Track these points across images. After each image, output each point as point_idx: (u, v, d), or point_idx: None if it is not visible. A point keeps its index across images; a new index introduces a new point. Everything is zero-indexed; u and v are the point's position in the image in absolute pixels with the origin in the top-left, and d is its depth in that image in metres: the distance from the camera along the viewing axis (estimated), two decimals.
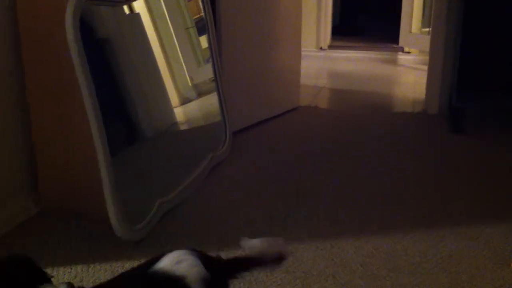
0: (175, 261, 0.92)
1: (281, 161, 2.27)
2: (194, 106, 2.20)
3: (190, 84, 2.17)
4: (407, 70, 4.45)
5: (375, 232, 1.63)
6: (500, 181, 2.04)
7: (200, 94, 2.22)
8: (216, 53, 2.22)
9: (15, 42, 1.61)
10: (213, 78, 2.24)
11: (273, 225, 1.67)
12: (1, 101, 1.62)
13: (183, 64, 2.11)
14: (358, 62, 4.67)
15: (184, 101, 2.11)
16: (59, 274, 1.38)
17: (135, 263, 1.35)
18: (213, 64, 2.22)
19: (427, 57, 3.14)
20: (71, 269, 1.41)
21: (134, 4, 1.79)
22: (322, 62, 4.57)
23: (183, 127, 2.11)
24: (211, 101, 2.27)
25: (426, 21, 4.62)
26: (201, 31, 2.22)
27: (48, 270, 0.98)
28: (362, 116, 3.00)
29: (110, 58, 1.70)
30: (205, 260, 0.94)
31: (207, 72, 2.25)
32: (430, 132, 2.69)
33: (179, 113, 2.08)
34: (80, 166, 1.64)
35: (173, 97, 2.02)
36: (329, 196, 1.91)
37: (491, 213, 1.76)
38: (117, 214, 1.48)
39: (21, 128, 1.69)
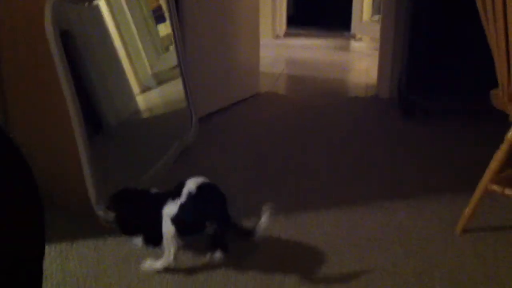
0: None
1: (243, 146, 2.38)
2: (155, 94, 2.26)
3: (150, 73, 2.23)
4: (359, 56, 4.64)
5: (335, 208, 1.78)
6: (442, 160, 2.22)
7: (160, 83, 2.26)
8: (180, 40, 2.29)
9: None
10: (173, 67, 2.30)
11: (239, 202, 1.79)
12: None
13: (143, 53, 2.16)
14: (313, 49, 4.82)
15: (145, 89, 2.16)
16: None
17: (117, 239, 1.46)
18: (177, 51, 2.28)
19: (378, 44, 3.31)
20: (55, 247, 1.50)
21: None
22: (279, 50, 4.69)
23: (146, 115, 2.16)
24: (172, 89, 2.32)
25: (376, 9, 4.83)
26: (158, 20, 2.27)
27: None
28: (318, 101, 3.14)
29: (72, 49, 1.72)
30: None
31: (167, 60, 2.31)
32: (382, 116, 2.85)
33: (141, 101, 2.13)
34: (60, 156, 1.68)
35: (134, 86, 2.07)
36: (292, 177, 2.03)
37: (435, 188, 1.94)
38: (96, 192, 1.56)
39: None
